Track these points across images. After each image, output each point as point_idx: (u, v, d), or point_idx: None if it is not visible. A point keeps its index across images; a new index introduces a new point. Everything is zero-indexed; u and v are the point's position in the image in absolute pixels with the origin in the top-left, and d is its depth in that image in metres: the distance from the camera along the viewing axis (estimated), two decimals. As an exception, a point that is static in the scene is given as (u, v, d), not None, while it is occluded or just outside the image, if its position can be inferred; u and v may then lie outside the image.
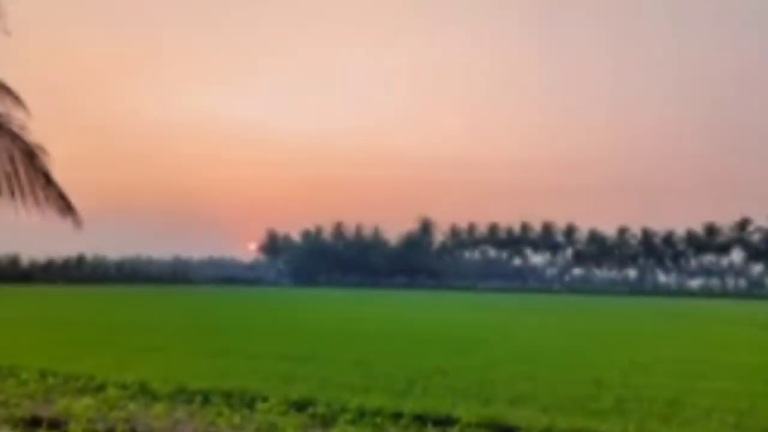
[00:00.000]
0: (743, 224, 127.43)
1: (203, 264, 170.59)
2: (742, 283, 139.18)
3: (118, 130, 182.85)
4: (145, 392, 7.84)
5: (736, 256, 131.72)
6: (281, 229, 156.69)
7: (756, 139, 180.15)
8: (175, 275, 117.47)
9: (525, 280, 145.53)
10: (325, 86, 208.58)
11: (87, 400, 7.04)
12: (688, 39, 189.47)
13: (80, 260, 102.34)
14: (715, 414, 7.25)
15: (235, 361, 10.55)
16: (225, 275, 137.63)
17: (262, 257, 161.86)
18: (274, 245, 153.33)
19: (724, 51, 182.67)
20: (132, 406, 7.05)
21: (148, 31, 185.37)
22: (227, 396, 7.59)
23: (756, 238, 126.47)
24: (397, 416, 6.77)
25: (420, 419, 6.72)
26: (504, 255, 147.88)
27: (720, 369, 10.92)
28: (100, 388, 8.07)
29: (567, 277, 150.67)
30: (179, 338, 14.08)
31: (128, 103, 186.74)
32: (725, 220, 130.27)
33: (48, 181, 6.57)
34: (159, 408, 6.87)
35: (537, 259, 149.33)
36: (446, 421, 6.66)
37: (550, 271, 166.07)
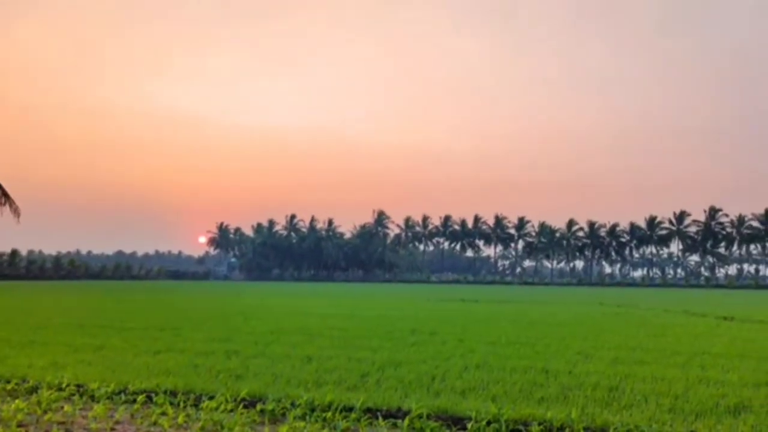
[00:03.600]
0: (681, 218, 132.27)
1: (148, 259, 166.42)
2: (680, 273, 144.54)
3: (54, 120, 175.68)
4: (83, 393, 7.57)
5: (675, 247, 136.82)
6: (233, 223, 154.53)
7: (692, 139, 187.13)
8: (118, 271, 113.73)
9: (478, 272, 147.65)
10: (277, 78, 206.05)
11: (18, 403, 6.78)
12: (629, 43, 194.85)
13: (13, 256, 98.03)
14: (652, 398, 7.50)
15: (180, 358, 10.33)
16: (172, 270, 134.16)
17: (212, 251, 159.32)
18: (225, 239, 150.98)
19: (657, 53, 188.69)
20: (68, 408, 6.80)
21: (88, 17, 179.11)
22: (172, 395, 7.42)
23: (692, 230, 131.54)
24: (348, 410, 6.75)
25: (371, 412, 6.73)
26: (457, 247, 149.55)
27: (658, 356, 11.30)
28: (33, 389, 7.77)
29: (518, 269, 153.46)
30: (120, 336, 13.69)
31: (67, 91, 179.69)
32: (665, 213, 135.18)
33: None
34: (97, 409, 6.67)
35: (489, 251, 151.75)
36: (397, 414, 6.69)
37: (502, 263, 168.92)
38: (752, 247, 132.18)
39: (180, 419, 6.41)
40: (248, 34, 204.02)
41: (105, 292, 43.03)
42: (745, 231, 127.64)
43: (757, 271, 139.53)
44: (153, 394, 7.41)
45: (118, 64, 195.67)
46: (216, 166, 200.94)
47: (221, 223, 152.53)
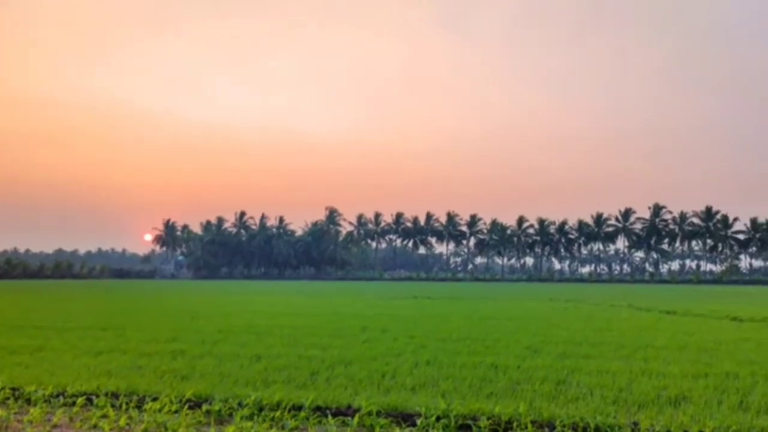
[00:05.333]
0: (627, 215, 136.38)
1: (90, 257, 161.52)
2: (626, 268, 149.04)
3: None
4: (18, 397, 7.24)
5: (621, 244, 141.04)
6: (180, 220, 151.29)
7: (636, 138, 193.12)
8: (58, 269, 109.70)
9: (430, 269, 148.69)
10: (228, 73, 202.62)
11: (-53, 409, 6.45)
12: (585, 45, 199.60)
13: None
14: (597, 391, 7.66)
15: (123, 359, 10.02)
16: (116, 268, 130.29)
17: (158, 249, 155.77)
18: (172, 237, 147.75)
19: (601, 53, 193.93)
20: (2, 413, 6.49)
21: (28, 6, 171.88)
22: (113, 397, 7.17)
23: (638, 227, 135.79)
24: (297, 409, 6.66)
25: (320, 410, 6.65)
26: (410, 245, 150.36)
27: (603, 349, 11.56)
28: (-36, 395, 7.41)
29: (470, 266, 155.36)
30: (60, 337, 13.19)
31: (2, 82, 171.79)
32: (612, 211, 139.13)
33: None
34: (34, 413, 6.39)
35: (442, 248, 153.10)
36: (347, 411, 6.63)
37: (455, 260, 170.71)
38: (694, 243, 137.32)
39: (122, 421, 6.22)
40: (199, 27, 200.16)
41: (44, 292, 41.52)
42: (687, 228, 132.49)
43: (698, 266, 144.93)
44: (93, 397, 7.16)
45: (58, 55, 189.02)
46: (163, 161, 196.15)
47: (168, 221, 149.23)
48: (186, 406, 6.73)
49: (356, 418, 6.31)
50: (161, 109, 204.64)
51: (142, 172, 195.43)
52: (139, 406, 6.81)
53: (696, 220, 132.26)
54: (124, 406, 6.80)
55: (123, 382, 7.95)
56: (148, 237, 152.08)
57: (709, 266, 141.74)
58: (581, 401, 7.15)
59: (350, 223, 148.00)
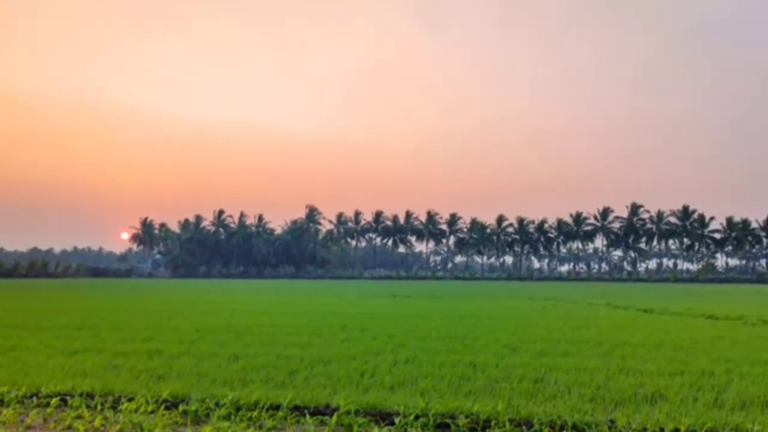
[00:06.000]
0: (605, 214, 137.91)
1: (66, 255, 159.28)
2: (605, 267, 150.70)
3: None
4: (-10, 398, 7.11)
5: (599, 243, 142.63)
6: (157, 218, 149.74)
7: (615, 138, 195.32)
8: (33, 268, 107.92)
9: (410, 268, 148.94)
10: (206, 71, 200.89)
11: None
12: (566, 45, 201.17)
13: None
14: (575, 389, 7.71)
15: (99, 359, 9.87)
16: (92, 267, 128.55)
17: (135, 248, 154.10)
18: (149, 235, 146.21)
19: (583, 53, 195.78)
20: (-28, 415, 6.38)
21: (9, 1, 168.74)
22: (88, 397, 7.06)
23: (616, 226, 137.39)
24: (275, 408, 6.61)
25: (298, 410, 6.60)
26: (389, 243, 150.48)
27: (581, 347, 11.65)
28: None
29: (450, 264, 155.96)
30: (34, 336, 12.96)
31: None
32: (590, 210, 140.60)
33: None
34: (7, 414, 6.29)
35: (421, 247, 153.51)
36: (325, 411, 6.59)
37: (434, 259, 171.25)
38: (671, 242, 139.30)
39: (97, 422, 6.13)
40: (179, 25, 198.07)
41: (19, 291, 40.84)
42: (664, 227, 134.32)
43: (675, 265, 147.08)
44: (68, 397, 7.04)
45: (36, 51, 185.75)
46: (140, 159, 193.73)
47: (145, 219, 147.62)
48: (162, 407, 6.65)
49: (334, 417, 6.28)
50: (139, 107, 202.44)
51: (120, 170, 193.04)
52: (114, 407, 6.71)
53: (673, 219, 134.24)
54: (99, 407, 6.70)
55: (98, 382, 7.83)
56: (125, 235, 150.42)
57: (686, 265, 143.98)
58: (559, 399, 7.19)
59: (330, 221, 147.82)
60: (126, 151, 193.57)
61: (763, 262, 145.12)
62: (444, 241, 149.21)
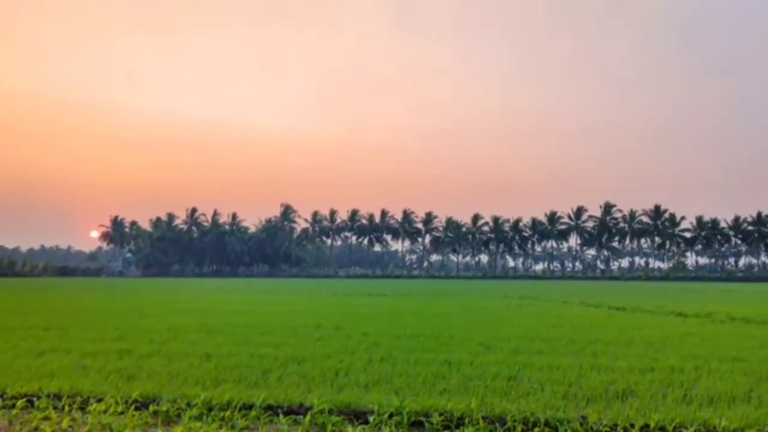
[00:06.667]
0: (579, 213, 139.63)
1: (33, 254, 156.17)
2: (578, 266, 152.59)
3: None
4: (-47, 401, 6.92)
5: (573, 241, 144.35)
6: (128, 216, 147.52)
7: (589, 138, 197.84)
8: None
9: (385, 267, 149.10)
10: (177, 65, 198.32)
11: None
12: (539, 45, 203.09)
13: None
14: (548, 386, 7.77)
15: (66, 359, 9.67)
16: (61, 266, 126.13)
17: (105, 246, 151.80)
18: (119, 233, 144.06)
19: (557, 52, 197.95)
20: (-65, 417, 6.20)
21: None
22: (56, 398, 6.91)
23: (589, 225, 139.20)
24: (247, 408, 6.55)
25: (272, 409, 6.55)
26: (365, 242, 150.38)
27: (555, 345, 11.76)
28: None
29: (426, 263, 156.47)
30: (0, 336, 12.68)
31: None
32: (564, 209, 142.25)
33: None
34: (-30, 416, 6.12)
35: (397, 245, 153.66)
36: (299, 410, 6.54)
37: (410, 257, 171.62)
38: (642, 241, 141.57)
39: (64, 423, 6.01)
40: (149, 15, 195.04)
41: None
42: (636, 226, 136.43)
43: (646, 263, 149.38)
44: (35, 398, 6.89)
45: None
46: (110, 156, 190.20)
47: (116, 217, 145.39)
48: (132, 407, 6.55)
49: (308, 417, 6.24)
50: (109, 103, 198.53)
51: (89, 167, 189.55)
52: (82, 408, 6.59)
53: (645, 219, 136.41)
54: (66, 408, 6.57)
55: (66, 383, 7.68)
56: (95, 234, 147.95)
57: (657, 263, 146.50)
58: (532, 396, 7.24)
59: (305, 220, 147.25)
60: (96, 147, 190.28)
61: (731, 260, 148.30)
62: (420, 239, 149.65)
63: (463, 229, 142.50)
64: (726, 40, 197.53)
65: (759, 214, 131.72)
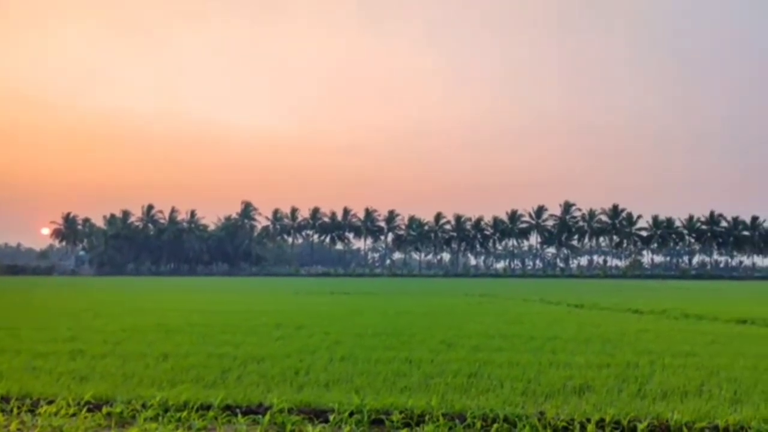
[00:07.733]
0: (539, 212, 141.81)
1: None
2: (539, 264, 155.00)
3: None
4: None
5: (534, 240, 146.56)
6: (81, 213, 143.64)
7: (550, 137, 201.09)
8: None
9: (348, 265, 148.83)
10: (133, 58, 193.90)
11: None
12: (507, 45, 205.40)
13: None
14: (507, 383, 7.85)
15: (16, 360, 9.37)
16: (9, 264, 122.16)
17: (57, 244, 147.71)
18: (72, 231, 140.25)
19: (523, 52, 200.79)
20: None
21: None
22: (4, 401, 6.68)
23: (550, 224, 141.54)
24: (205, 408, 6.43)
25: (230, 409, 6.45)
26: (327, 240, 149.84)
27: (515, 342, 11.89)
28: None
29: (388, 261, 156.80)
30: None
31: None
32: (525, 207, 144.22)
33: None
34: None
35: (360, 243, 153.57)
36: (258, 410, 6.46)
37: (372, 256, 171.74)
38: (601, 239, 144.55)
39: (13, 426, 5.85)
40: (104, 9, 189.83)
41: None
42: (595, 225, 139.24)
43: (605, 261, 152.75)
44: (-19, 402, 6.63)
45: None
46: (61, 151, 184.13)
47: (68, 214, 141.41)
48: (85, 409, 6.39)
49: (267, 416, 6.17)
50: (61, 98, 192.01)
51: (40, 163, 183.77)
52: (32, 410, 6.42)
53: (604, 218, 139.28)
54: (15, 411, 6.39)
55: (15, 384, 7.43)
56: (46, 231, 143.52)
57: (615, 261, 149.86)
58: (492, 393, 7.30)
59: (266, 217, 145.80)
60: (45, 143, 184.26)
61: (685, 258, 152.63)
62: (382, 238, 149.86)
63: (426, 228, 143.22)
64: (692, 39, 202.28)
65: (712, 214, 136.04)
